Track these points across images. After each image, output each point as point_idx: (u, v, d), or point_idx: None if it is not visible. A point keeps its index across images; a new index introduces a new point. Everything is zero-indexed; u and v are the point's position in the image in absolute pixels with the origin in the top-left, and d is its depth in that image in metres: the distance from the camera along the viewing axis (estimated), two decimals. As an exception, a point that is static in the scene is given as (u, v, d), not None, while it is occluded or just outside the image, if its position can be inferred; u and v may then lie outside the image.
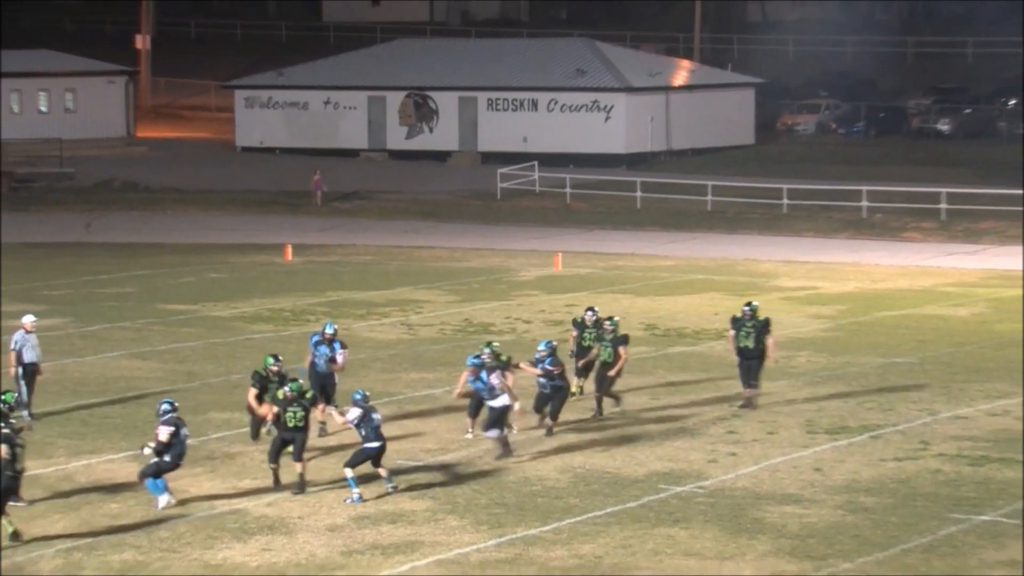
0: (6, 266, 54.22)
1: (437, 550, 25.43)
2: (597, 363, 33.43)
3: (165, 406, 27.25)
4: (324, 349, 31.77)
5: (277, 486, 28.16)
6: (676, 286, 50.82)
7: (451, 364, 38.55)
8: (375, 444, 27.74)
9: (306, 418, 28.25)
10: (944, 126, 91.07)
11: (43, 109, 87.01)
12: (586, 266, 54.81)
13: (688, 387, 36.25)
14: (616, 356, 32.99)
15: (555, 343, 31.81)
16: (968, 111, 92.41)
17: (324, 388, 31.39)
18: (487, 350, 31.10)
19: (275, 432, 28.71)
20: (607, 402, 33.50)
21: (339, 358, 31.80)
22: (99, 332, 42.94)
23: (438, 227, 64.73)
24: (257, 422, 30.69)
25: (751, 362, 33.99)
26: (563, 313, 45.61)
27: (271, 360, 30.36)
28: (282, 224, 64.51)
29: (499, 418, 30.10)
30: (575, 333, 34.58)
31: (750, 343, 33.80)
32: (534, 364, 31.52)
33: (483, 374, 30.02)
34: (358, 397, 28.11)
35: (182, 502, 27.31)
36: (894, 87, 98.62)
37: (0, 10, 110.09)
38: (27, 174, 76.10)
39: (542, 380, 31.42)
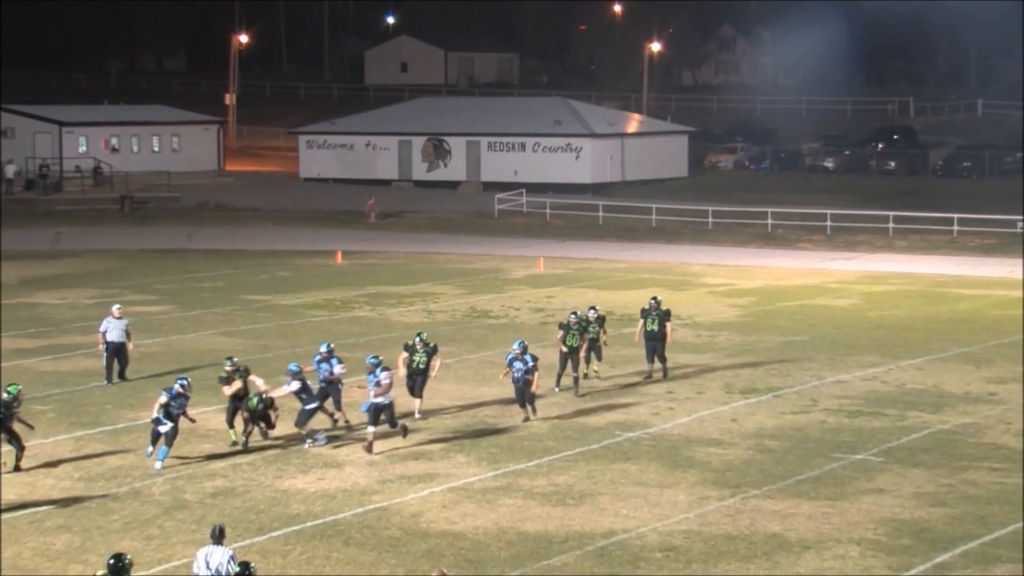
0: (129, 267, 54.27)
1: (449, 480, 25.49)
2: (566, 348, 32.01)
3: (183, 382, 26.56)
4: (324, 365, 28.79)
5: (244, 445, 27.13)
6: (628, 282, 50.87)
7: (460, 341, 38.60)
8: (313, 405, 27.53)
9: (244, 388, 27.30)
10: (829, 164, 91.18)
11: (156, 149, 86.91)
12: (561, 268, 54.85)
13: (637, 359, 36.22)
14: (580, 341, 32.15)
15: (526, 342, 29.87)
16: (847, 152, 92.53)
17: (328, 395, 28.69)
18: (418, 339, 29.92)
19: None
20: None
21: (336, 370, 28.70)
22: (196, 316, 42.96)
23: (450, 238, 64.77)
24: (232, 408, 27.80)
25: (656, 343, 33.61)
26: (544, 302, 45.66)
27: (227, 363, 27.97)
28: (333, 235, 64.49)
29: (378, 414, 27.04)
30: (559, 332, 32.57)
31: (655, 327, 33.46)
32: (509, 364, 29.07)
33: (377, 371, 27.16)
34: (295, 369, 27.59)
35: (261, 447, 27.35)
36: (792, 134, 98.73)
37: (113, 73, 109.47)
38: (143, 198, 76.17)
39: (516, 375, 28.95)
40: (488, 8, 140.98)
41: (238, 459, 26.49)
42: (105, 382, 32.58)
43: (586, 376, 33.02)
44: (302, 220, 70.66)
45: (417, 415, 29.50)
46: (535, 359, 29.11)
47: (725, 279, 52.18)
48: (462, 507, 23.93)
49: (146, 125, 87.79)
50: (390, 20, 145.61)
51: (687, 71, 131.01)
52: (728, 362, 36.23)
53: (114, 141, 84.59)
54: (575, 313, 32.61)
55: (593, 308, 33.95)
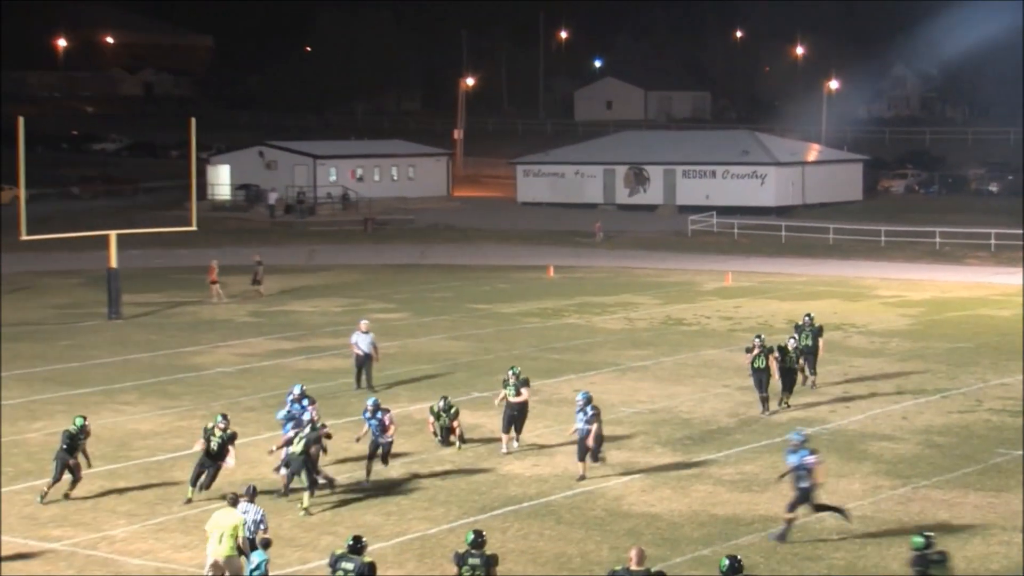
0: (371, 280, 55.21)
1: (647, 467, 25.34)
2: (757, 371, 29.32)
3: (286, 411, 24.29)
4: (297, 406, 24.43)
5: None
6: (808, 294, 49.99)
7: (657, 345, 38.39)
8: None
9: (222, 447, 22.87)
10: (993, 187, 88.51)
11: (394, 178, 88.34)
12: (747, 281, 54.16)
13: (817, 362, 35.58)
14: (768, 363, 29.36)
15: (590, 393, 25.04)
16: (1010, 177, 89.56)
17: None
18: (511, 373, 26.40)
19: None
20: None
21: (306, 416, 23.75)
22: (428, 322, 43.49)
23: (649, 254, 64.46)
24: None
25: (809, 356, 31.72)
26: (732, 312, 45.14)
27: (219, 418, 23.25)
28: (546, 252, 64.67)
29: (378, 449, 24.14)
30: (776, 356, 29.59)
31: (809, 342, 31.62)
32: (577, 413, 24.51)
33: (378, 413, 24.18)
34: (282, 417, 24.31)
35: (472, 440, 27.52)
36: (958, 161, 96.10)
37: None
38: (383, 220, 77.41)
39: (581, 426, 24.30)
40: (684, 52, 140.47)
41: (464, 447, 26.66)
42: (354, 387, 32.22)
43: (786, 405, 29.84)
44: (519, 239, 71.09)
45: (515, 445, 26.29)
46: (597, 410, 24.41)
47: (896, 291, 50.92)
48: (659, 492, 23.77)
49: (386, 157, 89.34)
50: (597, 64, 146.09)
51: (862, 106, 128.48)
52: (899, 366, 35.32)
53: (359, 171, 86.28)
54: (759, 336, 30.08)
55: (808, 315, 32.47)
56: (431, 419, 26.65)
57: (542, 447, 26.71)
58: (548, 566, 20.14)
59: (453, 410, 26.58)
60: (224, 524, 18.11)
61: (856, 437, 27.56)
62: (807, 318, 32.59)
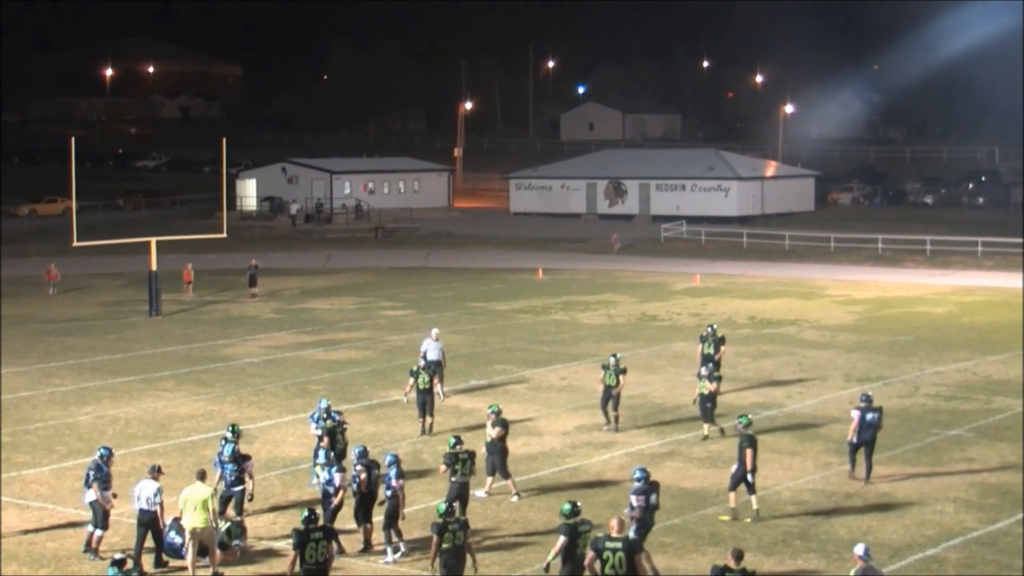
0: (381, 281, 55.16)
1: (625, 447, 25.38)
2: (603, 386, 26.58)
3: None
4: (229, 467, 19.94)
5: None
6: (767, 294, 50.06)
7: (634, 338, 38.42)
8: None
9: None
10: (928, 200, 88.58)
11: (401, 190, 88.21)
12: (713, 282, 54.18)
13: (774, 354, 35.74)
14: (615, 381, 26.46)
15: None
16: (943, 191, 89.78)
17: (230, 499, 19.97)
18: (491, 412, 22.11)
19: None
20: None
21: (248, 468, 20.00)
22: (431, 318, 43.37)
23: (626, 259, 64.43)
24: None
25: (712, 364, 28.85)
26: (700, 309, 45.16)
27: (229, 432, 20.30)
28: (536, 256, 64.61)
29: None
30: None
31: (711, 351, 30.03)
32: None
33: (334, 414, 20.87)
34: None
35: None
36: (898, 176, 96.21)
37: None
38: (392, 228, 77.37)
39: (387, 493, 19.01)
40: (657, 80, 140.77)
41: (461, 432, 26.67)
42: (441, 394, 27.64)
43: (706, 437, 25.96)
44: (512, 245, 71.09)
45: (514, 499, 21.69)
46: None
47: (844, 291, 51.00)
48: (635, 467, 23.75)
49: (394, 172, 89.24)
50: (580, 90, 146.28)
51: (814, 127, 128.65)
52: (846, 356, 35.40)
53: (370, 185, 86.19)
54: (615, 356, 26.97)
55: (711, 326, 30.62)
56: (410, 380, 25.80)
57: (531, 429, 26.71)
58: (537, 534, 20.16)
59: (431, 368, 25.82)
60: (196, 497, 18.13)
61: (809, 419, 27.61)
62: (710, 329, 30.63)
